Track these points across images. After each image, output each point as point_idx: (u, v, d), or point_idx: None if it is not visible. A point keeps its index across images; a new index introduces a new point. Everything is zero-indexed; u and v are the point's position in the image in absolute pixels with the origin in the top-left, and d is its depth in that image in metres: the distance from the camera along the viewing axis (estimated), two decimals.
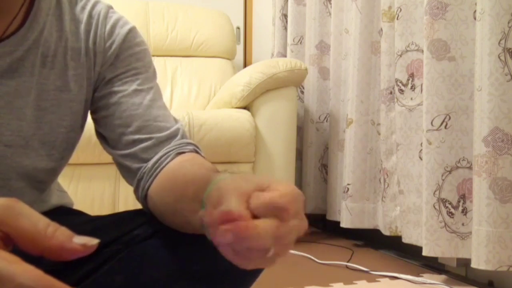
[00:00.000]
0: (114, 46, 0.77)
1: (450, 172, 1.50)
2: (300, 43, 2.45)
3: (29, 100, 0.72)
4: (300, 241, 2.08)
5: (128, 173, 0.76)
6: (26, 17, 0.72)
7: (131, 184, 0.77)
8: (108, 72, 0.77)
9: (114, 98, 0.76)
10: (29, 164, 0.73)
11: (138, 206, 0.76)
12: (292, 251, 1.90)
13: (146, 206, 0.73)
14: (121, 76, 0.77)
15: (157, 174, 0.71)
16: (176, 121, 0.78)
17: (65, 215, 0.82)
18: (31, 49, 0.72)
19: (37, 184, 0.77)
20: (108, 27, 0.77)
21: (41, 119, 0.73)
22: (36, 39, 0.72)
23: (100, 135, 0.80)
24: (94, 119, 0.81)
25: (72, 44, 0.75)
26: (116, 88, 0.76)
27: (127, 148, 0.75)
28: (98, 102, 0.78)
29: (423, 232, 1.53)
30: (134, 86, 0.77)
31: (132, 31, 0.79)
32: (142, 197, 0.73)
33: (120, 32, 0.77)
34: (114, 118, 0.76)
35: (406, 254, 1.84)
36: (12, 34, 0.71)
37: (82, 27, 0.76)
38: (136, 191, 0.75)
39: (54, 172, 0.79)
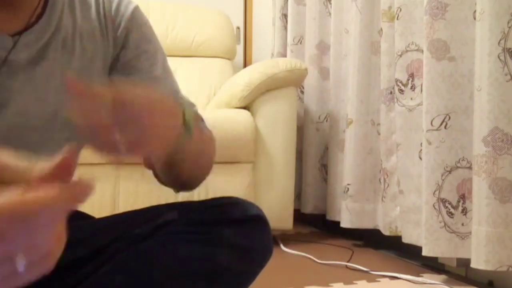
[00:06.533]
0: (122, 25, 0.79)
1: (450, 172, 1.50)
2: (300, 43, 2.44)
3: (53, 85, 0.74)
4: (301, 242, 2.08)
5: None
6: (45, 4, 0.74)
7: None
8: (122, 54, 0.79)
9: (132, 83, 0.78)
10: (51, 148, 0.74)
11: (138, 206, 0.76)
12: (292, 251, 1.90)
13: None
14: (135, 61, 0.79)
15: None
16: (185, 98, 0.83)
17: (71, 219, 0.82)
18: (53, 36, 0.74)
19: None
20: (114, 6, 0.79)
21: (63, 103, 0.75)
22: (57, 25, 0.74)
23: None
24: None
25: (84, 28, 0.77)
26: (134, 77, 0.78)
27: None
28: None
29: (423, 232, 1.53)
30: (152, 73, 0.79)
31: (136, 9, 0.81)
32: None
33: (126, 11, 0.80)
34: None
35: (406, 254, 1.84)
36: (36, 22, 0.73)
37: (93, 9, 0.78)
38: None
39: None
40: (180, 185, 0.78)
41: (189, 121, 0.65)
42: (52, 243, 0.35)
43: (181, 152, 0.66)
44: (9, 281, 0.34)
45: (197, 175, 0.77)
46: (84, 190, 0.33)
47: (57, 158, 0.36)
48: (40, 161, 0.37)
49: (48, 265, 0.35)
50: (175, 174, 0.74)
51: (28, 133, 0.72)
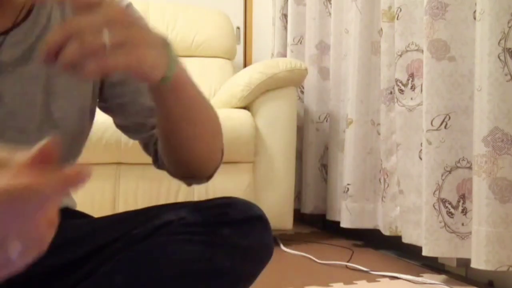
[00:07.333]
0: None
1: (450, 172, 1.50)
2: (300, 43, 2.44)
3: (40, 85, 0.73)
4: (301, 242, 2.08)
5: (151, 147, 0.80)
6: (33, 4, 0.73)
7: (150, 152, 0.81)
8: None
9: (131, 86, 0.78)
10: None
11: (138, 206, 0.76)
12: (292, 251, 1.90)
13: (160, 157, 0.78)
14: None
15: None
16: None
17: (70, 218, 0.82)
18: (41, 36, 0.73)
19: None
20: None
21: (52, 104, 0.74)
22: (45, 25, 0.74)
23: (120, 125, 0.82)
24: (108, 108, 0.81)
25: None
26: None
27: (153, 129, 0.78)
28: (111, 89, 0.79)
29: (423, 232, 1.53)
30: None
31: (129, 7, 0.80)
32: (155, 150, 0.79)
33: None
34: (135, 104, 0.78)
35: (406, 254, 1.84)
36: (22, 22, 0.72)
37: None
38: (152, 152, 0.80)
39: (67, 159, 0.80)
40: (189, 173, 0.77)
41: (174, 57, 0.61)
42: (44, 228, 0.35)
43: (169, 99, 0.64)
44: (3, 267, 0.33)
45: (202, 155, 0.75)
46: (77, 176, 0.33)
47: (37, 147, 0.36)
48: (19, 150, 0.36)
49: (40, 250, 0.35)
50: (177, 151, 0.72)
51: (17, 135, 0.71)
